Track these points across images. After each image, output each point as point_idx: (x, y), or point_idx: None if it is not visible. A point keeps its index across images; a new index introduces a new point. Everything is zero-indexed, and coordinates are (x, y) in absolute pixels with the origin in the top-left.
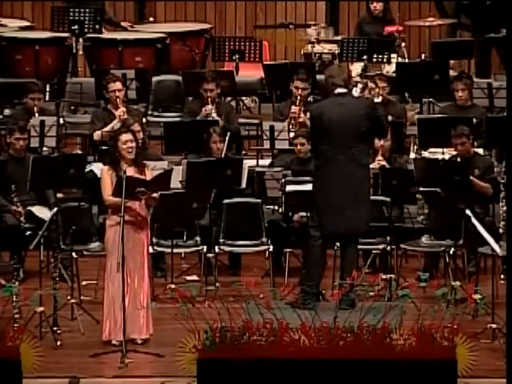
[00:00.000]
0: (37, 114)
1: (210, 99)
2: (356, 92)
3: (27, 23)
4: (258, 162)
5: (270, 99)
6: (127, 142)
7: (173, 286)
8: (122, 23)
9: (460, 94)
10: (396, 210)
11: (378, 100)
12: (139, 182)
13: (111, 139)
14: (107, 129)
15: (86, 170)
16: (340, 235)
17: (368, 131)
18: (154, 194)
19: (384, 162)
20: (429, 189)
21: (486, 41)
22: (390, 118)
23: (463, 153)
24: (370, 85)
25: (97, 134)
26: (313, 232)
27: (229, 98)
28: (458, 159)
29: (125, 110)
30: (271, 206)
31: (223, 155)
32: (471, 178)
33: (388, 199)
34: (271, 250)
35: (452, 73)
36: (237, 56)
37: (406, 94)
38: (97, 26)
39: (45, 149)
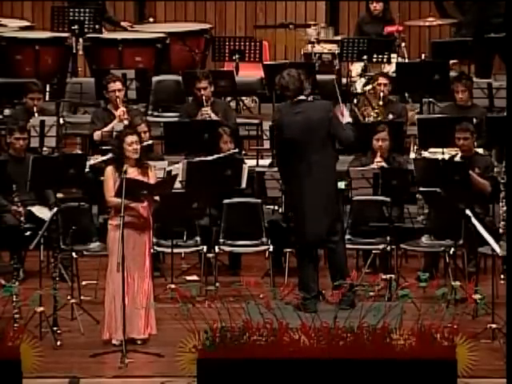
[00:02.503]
0: (36, 114)
1: (204, 98)
2: (359, 85)
3: (27, 23)
4: (257, 162)
5: (270, 99)
6: (132, 144)
7: (173, 285)
8: (122, 23)
9: (460, 95)
10: (396, 210)
11: (348, 120)
12: (142, 185)
13: (116, 139)
14: (107, 129)
15: (90, 160)
16: (317, 241)
17: (328, 135)
18: (155, 197)
19: (383, 163)
20: (429, 189)
21: (486, 41)
22: (390, 116)
23: (465, 149)
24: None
25: (97, 134)
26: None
27: (229, 98)
28: (459, 157)
29: (125, 109)
30: (271, 206)
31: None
32: (470, 172)
33: (388, 199)
34: (271, 250)
35: (452, 73)
36: (237, 56)
37: (406, 94)
38: (97, 26)
39: (44, 149)
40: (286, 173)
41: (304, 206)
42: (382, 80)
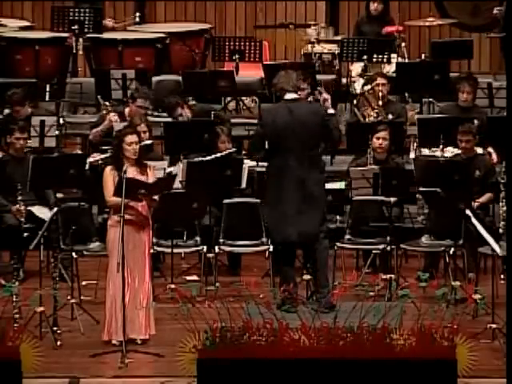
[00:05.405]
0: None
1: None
2: (358, 86)
3: (27, 23)
4: (258, 162)
5: (270, 99)
6: (132, 144)
7: (173, 286)
8: (104, 21)
9: (465, 96)
10: (396, 210)
11: (331, 111)
12: (141, 184)
13: (116, 138)
14: (100, 128)
15: (90, 158)
16: (292, 242)
17: (319, 138)
18: (155, 196)
19: (375, 167)
20: (429, 189)
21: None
22: (390, 117)
23: (467, 151)
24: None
25: (92, 133)
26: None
27: (229, 98)
28: (461, 156)
29: (117, 117)
30: None
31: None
32: (474, 204)
33: (388, 199)
34: (271, 249)
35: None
36: (237, 56)
37: (406, 94)
38: (97, 25)
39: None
40: (272, 169)
41: (285, 206)
42: (380, 80)
